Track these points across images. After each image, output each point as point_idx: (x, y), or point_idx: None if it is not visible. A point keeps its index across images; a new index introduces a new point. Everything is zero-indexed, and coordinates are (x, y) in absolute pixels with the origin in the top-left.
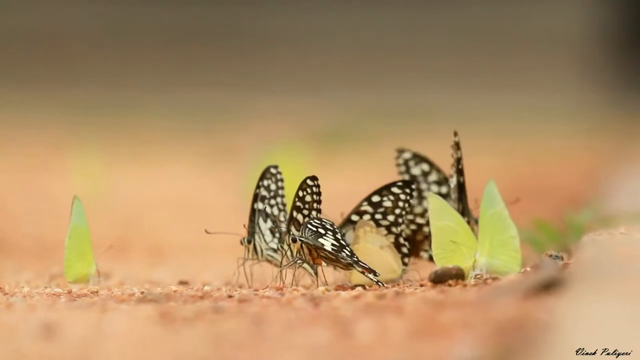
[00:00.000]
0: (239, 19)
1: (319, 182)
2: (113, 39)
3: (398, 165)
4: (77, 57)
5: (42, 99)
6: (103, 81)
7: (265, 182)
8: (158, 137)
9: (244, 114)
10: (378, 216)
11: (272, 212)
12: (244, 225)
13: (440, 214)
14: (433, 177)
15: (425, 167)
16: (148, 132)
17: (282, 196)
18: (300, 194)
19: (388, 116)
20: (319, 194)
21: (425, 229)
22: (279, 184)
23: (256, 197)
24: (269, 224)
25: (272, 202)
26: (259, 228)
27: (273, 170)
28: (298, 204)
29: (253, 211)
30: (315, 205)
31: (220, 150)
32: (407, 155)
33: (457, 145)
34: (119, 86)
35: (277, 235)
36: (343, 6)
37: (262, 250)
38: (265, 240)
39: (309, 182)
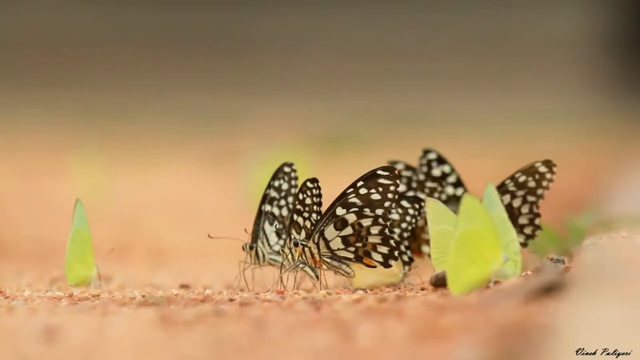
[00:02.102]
0: (239, 22)
1: (319, 184)
2: (114, 42)
3: (421, 165)
4: (78, 60)
5: (43, 101)
6: (104, 84)
7: (277, 183)
8: (159, 141)
9: (244, 118)
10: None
11: (280, 213)
12: (245, 230)
13: (438, 218)
14: (452, 178)
15: (447, 168)
16: (148, 135)
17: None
18: (301, 196)
19: (388, 120)
20: (319, 195)
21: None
22: (292, 182)
23: (265, 199)
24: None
25: (282, 202)
26: (264, 231)
27: (287, 169)
28: (298, 206)
29: (260, 213)
30: (315, 207)
31: (221, 154)
32: (432, 155)
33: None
34: (120, 89)
35: (283, 237)
36: (343, 10)
37: (264, 255)
38: (269, 244)
39: (309, 184)
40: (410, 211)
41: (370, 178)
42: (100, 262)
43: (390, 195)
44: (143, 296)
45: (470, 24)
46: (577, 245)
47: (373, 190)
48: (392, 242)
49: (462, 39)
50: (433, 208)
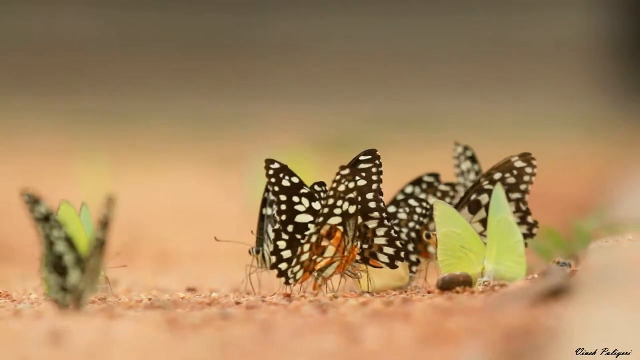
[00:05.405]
0: (245, 27)
1: (326, 188)
2: (118, 46)
3: (454, 157)
4: (83, 64)
5: (48, 105)
6: (109, 88)
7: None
8: (164, 144)
9: (249, 122)
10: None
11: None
12: (252, 232)
13: (445, 221)
14: (472, 176)
15: (476, 167)
16: (154, 139)
17: None
18: None
19: (393, 124)
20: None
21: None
22: None
23: (265, 202)
24: None
25: None
26: (268, 235)
27: None
28: None
29: (262, 217)
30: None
31: (226, 158)
32: (459, 149)
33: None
34: (125, 93)
35: None
36: (348, 14)
37: (270, 259)
38: None
39: (317, 188)
40: (418, 210)
41: (353, 167)
42: (107, 265)
43: (375, 178)
44: (150, 299)
45: (475, 28)
46: (583, 248)
47: (357, 178)
48: (398, 243)
49: (467, 42)
50: (441, 211)
